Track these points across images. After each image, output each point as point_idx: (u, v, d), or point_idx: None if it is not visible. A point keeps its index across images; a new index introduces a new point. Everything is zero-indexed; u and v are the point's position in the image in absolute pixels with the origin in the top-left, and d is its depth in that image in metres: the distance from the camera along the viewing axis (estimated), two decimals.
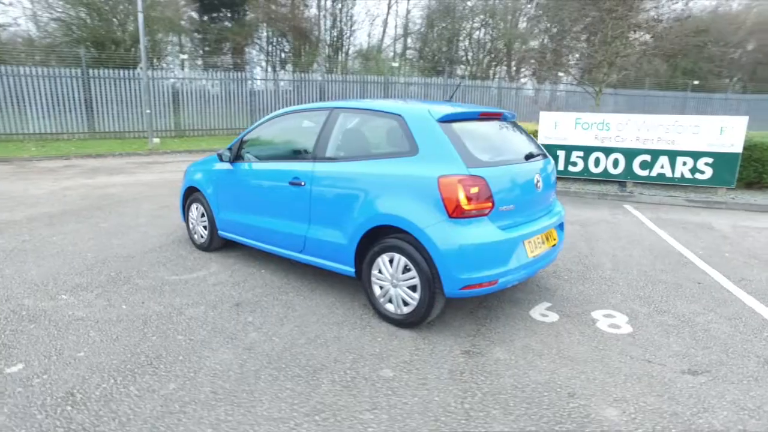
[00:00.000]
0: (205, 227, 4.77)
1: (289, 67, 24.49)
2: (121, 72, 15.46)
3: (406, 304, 3.15)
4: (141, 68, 14.24)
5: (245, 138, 4.34)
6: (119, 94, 15.44)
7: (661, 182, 7.98)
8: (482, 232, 2.93)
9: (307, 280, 4.07)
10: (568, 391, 2.53)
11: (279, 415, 2.27)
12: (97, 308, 3.45)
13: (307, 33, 23.52)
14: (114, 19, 21.14)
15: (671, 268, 4.56)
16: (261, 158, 4.20)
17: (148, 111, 14.02)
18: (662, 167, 7.87)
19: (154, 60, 21.40)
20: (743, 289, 4.02)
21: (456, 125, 3.17)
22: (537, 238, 3.28)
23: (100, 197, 7.43)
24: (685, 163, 7.73)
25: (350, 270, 3.45)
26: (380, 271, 3.24)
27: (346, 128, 3.58)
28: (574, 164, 8.55)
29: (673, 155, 7.77)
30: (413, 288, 3.09)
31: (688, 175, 7.75)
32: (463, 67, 28.37)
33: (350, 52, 28.09)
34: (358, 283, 3.92)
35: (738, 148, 7.39)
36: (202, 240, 4.83)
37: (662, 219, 6.62)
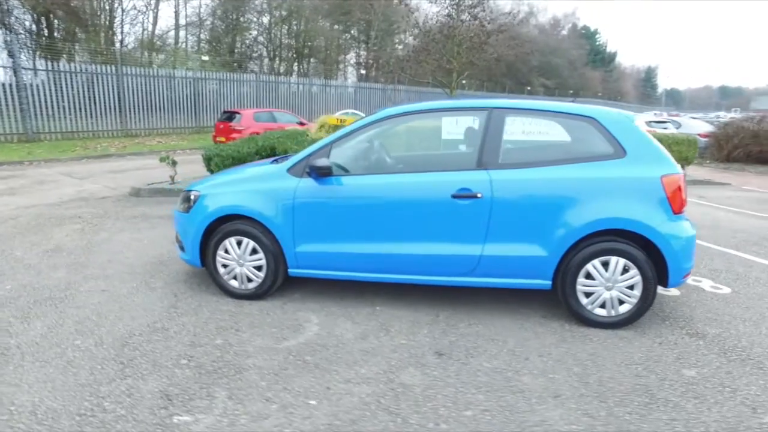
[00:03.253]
0: (258, 268, 3.54)
1: (78, 56, 18.87)
2: None
3: (621, 303, 3.14)
4: None
5: (335, 146, 3.40)
6: None
7: None
8: (690, 226, 3.16)
9: (444, 305, 3.48)
10: None
11: None
12: (292, 416, 2.27)
13: (79, 13, 18.41)
14: None
15: None
16: (372, 171, 3.40)
17: None
18: None
19: None
20: (714, 244, 5.37)
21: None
22: None
23: None
24: None
25: (546, 283, 3.18)
26: (588, 277, 3.12)
27: (520, 131, 3.25)
28: None
29: None
30: (631, 287, 3.11)
31: None
32: (266, 63, 27.21)
33: (127, 41, 23.49)
34: (512, 295, 3.63)
35: None
36: (253, 284, 3.55)
37: None
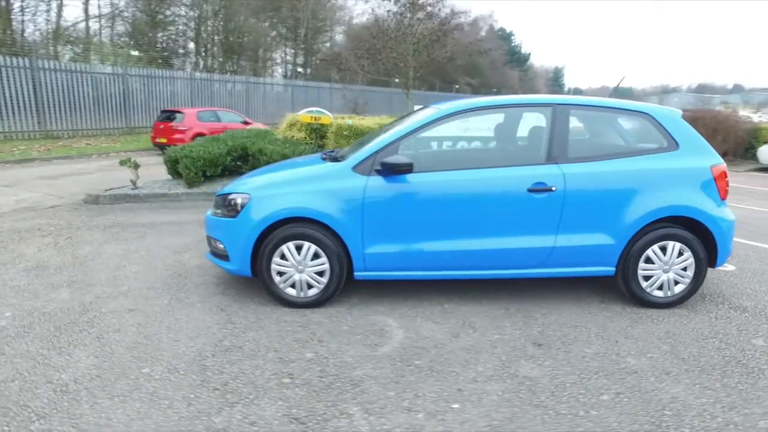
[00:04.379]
0: (320, 273, 3.35)
1: None
2: None
3: (676, 284, 3.39)
4: None
5: (402, 143, 3.31)
6: None
7: None
8: (730, 211, 3.50)
9: (504, 298, 3.54)
10: None
11: None
12: (446, 422, 2.17)
13: None
14: None
15: None
16: (441, 167, 3.37)
17: None
18: None
19: None
20: None
21: None
22: None
23: None
24: None
25: (610, 270, 3.35)
26: (648, 262, 3.34)
27: (583, 127, 3.38)
28: None
29: None
30: (684, 269, 3.37)
31: None
32: (193, 59, 25.46)
33: (28, 31, 20.79)
34: (564, 283, 3.77)
35: None
36: (314, 291, 3.35)
37: None
